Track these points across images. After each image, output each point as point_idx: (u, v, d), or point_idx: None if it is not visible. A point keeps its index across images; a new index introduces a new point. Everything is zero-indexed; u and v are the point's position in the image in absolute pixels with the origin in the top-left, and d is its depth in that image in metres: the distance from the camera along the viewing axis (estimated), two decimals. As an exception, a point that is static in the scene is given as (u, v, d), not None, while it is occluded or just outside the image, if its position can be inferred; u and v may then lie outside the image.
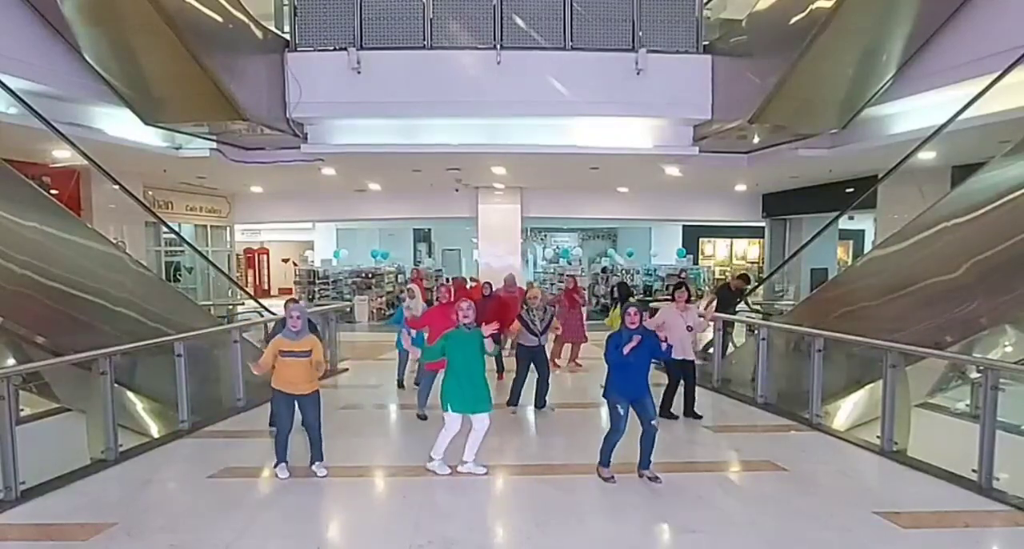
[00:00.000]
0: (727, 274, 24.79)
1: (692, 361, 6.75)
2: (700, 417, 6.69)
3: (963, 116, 6.74)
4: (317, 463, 5.02)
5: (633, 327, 4.80)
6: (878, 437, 5.51)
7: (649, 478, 4.86)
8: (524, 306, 7.15)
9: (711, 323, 8.12)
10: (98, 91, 8.01)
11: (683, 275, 16.81)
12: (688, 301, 6.83)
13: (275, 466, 4.96)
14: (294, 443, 5.09)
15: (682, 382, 6.69)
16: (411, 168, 12.25)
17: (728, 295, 9.71)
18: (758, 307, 11.62)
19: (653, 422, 4.85)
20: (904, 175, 8.34)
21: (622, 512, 4.47)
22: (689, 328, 6.61)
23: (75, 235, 6.65)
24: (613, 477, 4.87)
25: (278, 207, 17.18)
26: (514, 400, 6.87)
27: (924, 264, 6.38)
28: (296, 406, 5.08)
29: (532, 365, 6.93)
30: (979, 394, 5.11)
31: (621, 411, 4.81)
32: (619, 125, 10.08)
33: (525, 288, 10.91)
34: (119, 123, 8.75)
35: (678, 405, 6.69)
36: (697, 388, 7.67)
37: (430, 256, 23.27)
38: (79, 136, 7.61)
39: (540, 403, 6.90)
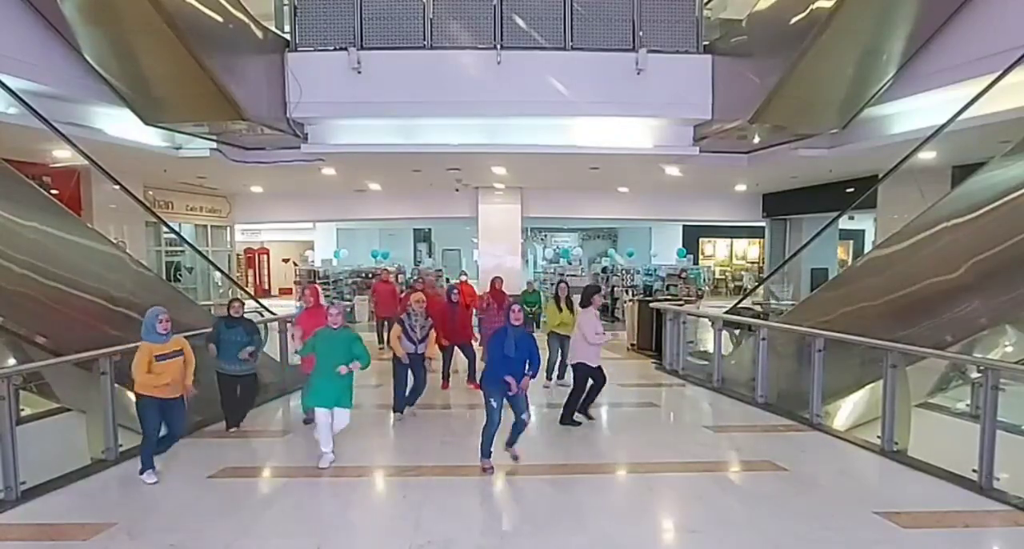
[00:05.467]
0: (727, 274, 24.90)
1: (599, 366, 6.45)
2: (591, 419, 6.53)
3: (963, 116, 6.73)
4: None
5: (517, 323, 5.09)
6: (878, 437, 5.51)
7: (512, 456, 5.17)
8: (406, 312, 6.81)
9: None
10: (98, 91, 8.01)
11: (683, 274, 16.81)
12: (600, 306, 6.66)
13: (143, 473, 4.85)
14: (292, 443, 5.09)
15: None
16: (411, 168, 12.25)
17: None
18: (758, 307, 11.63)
19: (523, 416, 5.11)
20: (904, 175, 8.33)
21: (622, 512, 4.47)
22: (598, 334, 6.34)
23: (75, 235, 6.65)
24: (492, 468, 5.02)
25: (278, 207, 17.18)
26: (398, 406, 6.69)
27: (924, 264, 6.38)
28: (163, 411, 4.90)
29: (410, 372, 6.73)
30: (979, 394, 5.12)
31: (495, 404, 5.03)
32: (619, 125, 10.08)
33: (526, 288, 11.05)
34: (119, 123, 8.75)
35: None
36: (698, 388, 7.66)
37: (430, 256, 23.27)
38: (79, 136, 7.61)
39: (400, 407, 6.71)
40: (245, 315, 6.37)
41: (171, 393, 4.91)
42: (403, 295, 10.54)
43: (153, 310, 4.94)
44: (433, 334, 6.79)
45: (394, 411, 6.73)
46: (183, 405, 5.04)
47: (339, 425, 5.28)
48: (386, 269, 14.77)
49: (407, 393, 6.72)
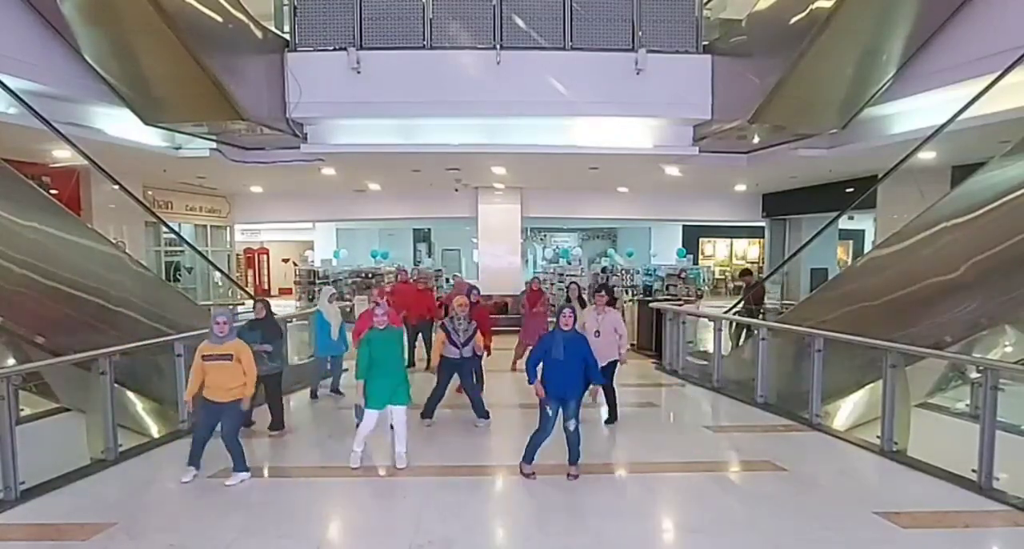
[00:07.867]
0: (727, 274, 24.90)
1: (610, 363, 6.37)
2: (612, 422, 6.47)
3: (963, 116, 6.73)
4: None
5: (567, 329, 4.90)
6: (878, 437, 5.51)
7: (570, 475, 4.89)
8: (447, 315, 6.66)
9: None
10: (98, 91, 8.00)
11: (683, 274, 16.80)
12: (610, 304, 6.61)
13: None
14: (292, 443, 5.09)
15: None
16: (411, 168, 12.25)
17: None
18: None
19: (568, 424, 4.88)
20: (904, 175, 8.33)
21: (622, 512, 4.47)
22: (597, 333, 6.22)
23: (75, 235, 6.65)
24: (534, 474, 4.91)
25: (278, 207, 17.18)
26: (427, 412, 6.49)
27: (924, 264, 6.38)
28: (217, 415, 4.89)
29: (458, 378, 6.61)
30: (979, 394, 5.11)
31: (549, 412, 4.87)
32: (619, 125, 10.07)
33: (525, 288, 11.05)
34: (119, 123, 8.75)
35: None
36: (697, 388, 7.63)
37: (430, 256, 23.27)
38: (79, 136, 7.61)
39: (480, 413, 6.51)
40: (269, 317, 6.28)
41: (219, 397, 4.82)
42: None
43: (214, 311, 5.05)
44: (480, 337, 6.59)
45: (422, 416, 6.45)
46: (236, 411, 4.93)
47: (396, 422, 5.21)
48: (418, 270, 13.07)
49: (434, 400, 6.52)
